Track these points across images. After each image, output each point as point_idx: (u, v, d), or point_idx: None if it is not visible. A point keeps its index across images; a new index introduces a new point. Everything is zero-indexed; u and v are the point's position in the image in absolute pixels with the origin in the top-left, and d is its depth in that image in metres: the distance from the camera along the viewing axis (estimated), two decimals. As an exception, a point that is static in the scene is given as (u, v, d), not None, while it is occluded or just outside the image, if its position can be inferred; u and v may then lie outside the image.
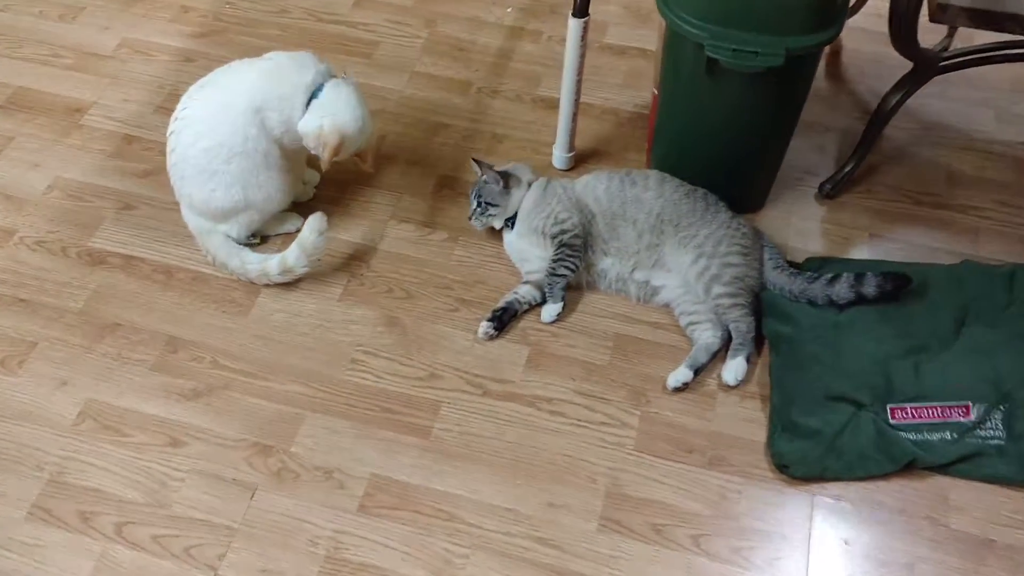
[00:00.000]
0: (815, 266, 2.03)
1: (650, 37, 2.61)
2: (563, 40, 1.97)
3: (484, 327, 1.92)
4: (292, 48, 2.01)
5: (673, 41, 1.84)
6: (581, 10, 1.93)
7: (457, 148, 2.33)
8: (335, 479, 1.72)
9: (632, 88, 2.49)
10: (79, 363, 1.88)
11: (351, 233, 2.13)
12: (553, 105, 2.40)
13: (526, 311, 1.98)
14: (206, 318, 1.97)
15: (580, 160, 2.29)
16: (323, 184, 2.23)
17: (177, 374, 1.88)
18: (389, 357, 1.91)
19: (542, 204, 2.01)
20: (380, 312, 1.98)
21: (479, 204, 2.00)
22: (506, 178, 2.00)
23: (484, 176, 2.00)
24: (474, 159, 2.09)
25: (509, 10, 2.70)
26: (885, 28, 1.97)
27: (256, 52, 2.01)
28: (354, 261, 2.08)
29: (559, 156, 2.26)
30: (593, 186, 2.02)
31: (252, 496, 1.70)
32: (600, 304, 2.00)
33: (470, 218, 2.03)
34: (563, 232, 1.96)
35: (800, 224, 2.17)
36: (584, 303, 2.00)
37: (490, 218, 2.02)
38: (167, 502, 1.69)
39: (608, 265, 1.98)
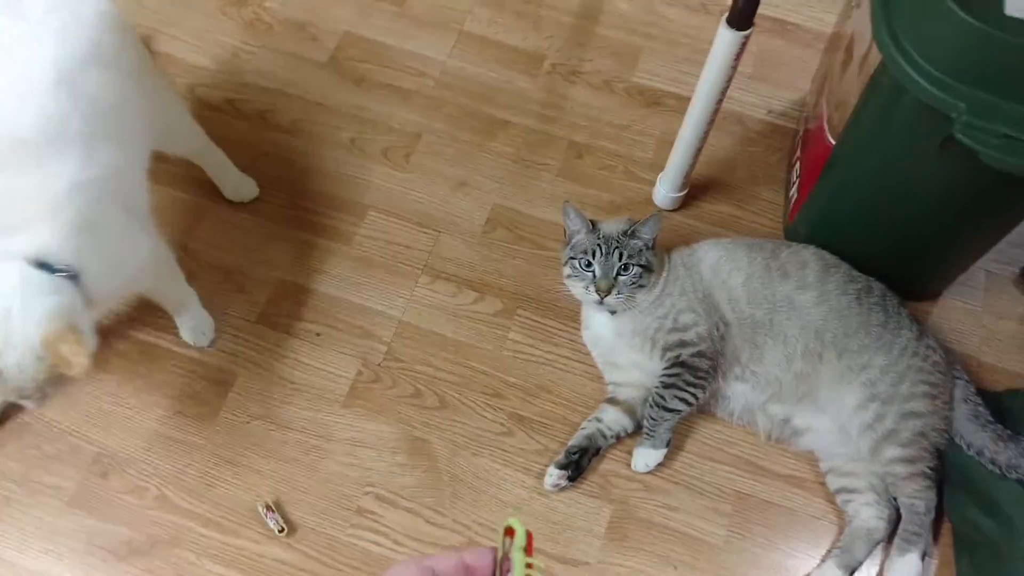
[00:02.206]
0: (1018, 403, 1.45)
1: (793, 1, 1.92)
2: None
3: (554, 476, 1.36)
4: None
5: (888, 90, 1.19)
6: (742, 18, 1.26)
7: (519, 163, 1.69)
8: None
9: (765, 82, 1.82)
10: (-33, 484, 1.33)
11: (366, 292, 1.53)
12: (655, 100, 1.76)
13: (612, 446, 1.42)
14: (153, 421, 1.40)
15: (690, 196, 1.65)
16: (332, 209, 1.60)
17: (106, 515, 1.33)
18: (411, 508, 1.36)
19: (663, 294, 1.40)
20: (401, 429, 1.42)
21: (627, 267, 1.36)
22: (660, 218, 1.40)
23: (634, 227, 1.38)
24: (568, 204, 1.42)
25: (598, -57, 1.97)
26: None
27: None
28: (369, 339, 1.49)
29: (664, 194, 1.62)
30: (727, 274, 1.41)
31: None
32: (716, 439, 1.44)
33: (602, 294, 1.36)
34: (684, 345, 1.37)
35: (993, 326, 1.58)
36: (693, 437, 1.44)
37: (638, 291, 1.38)
38: None
39: (737, 392, 1.40)
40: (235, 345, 1.47)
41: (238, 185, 1.57)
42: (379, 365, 1.47)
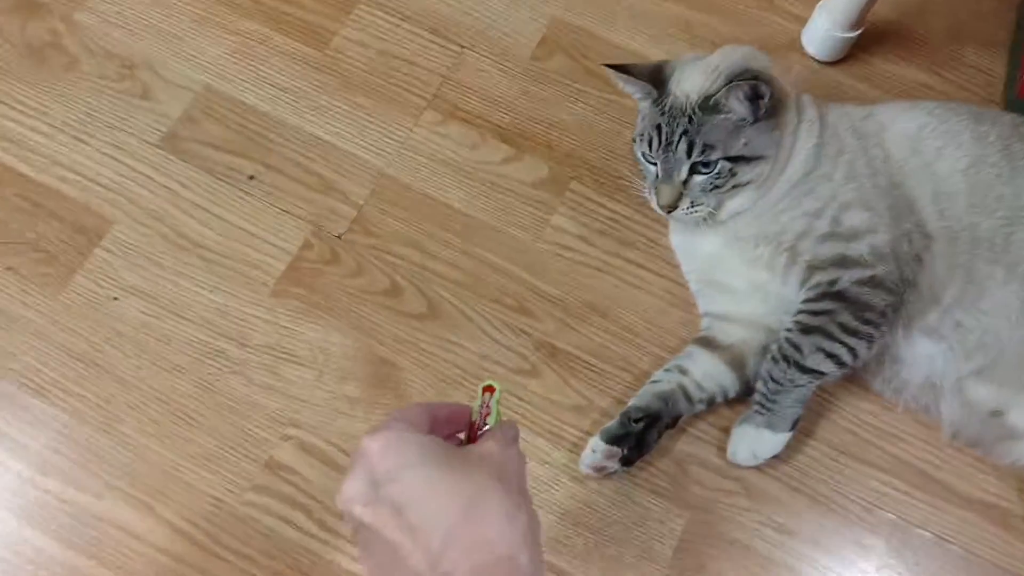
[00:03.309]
0: None
1: None
2: None
3: (599, 453, 0.84)
4: None
5: None
6: None
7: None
8: None
9: None
10: None
11: (337, 124, 1.00)
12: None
13: (698, 414, 0.88)
14: (-32, 277, 0.89)
15: (858, 47, 1.08)
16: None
17: None
18: (358, 472, 0.83)
19: (813, 174, 0.83)
20: (359, 343, 0.89)
21: (703, 165, 0.81)
22: (767, 80, 0.80)
23: (722, 92, 0.78)
24: (611, 67, 0.85)
25: None
26: None
27: None
28: (329, 196, 0.96)
29: (824, 32, 1.06)
30: (936, 153, 0.84)
31: None
32: (867, 426, 0.90)
33: (671, 207, 0.83)
34: (846, 265, 0.81)
35: None
36: (830, 418, 0.90)
37: (737, 194, 0.83)
38: None
39: (920, 354, 0.85)
40: (118, 176, 0.95)
41: None
42: (340, 238, 0.94)
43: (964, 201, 0.82)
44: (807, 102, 0.86)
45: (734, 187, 0.81)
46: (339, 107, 1.01)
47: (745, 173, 0.81)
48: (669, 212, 0.84)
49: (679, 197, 0.82)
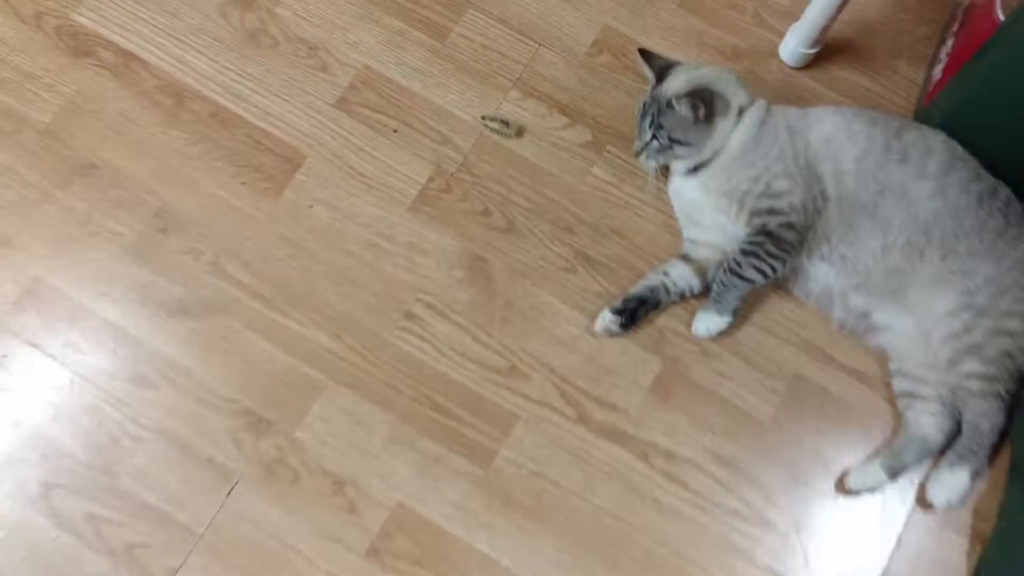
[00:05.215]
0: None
1: None
2: None
3: (606, 320, 1.46)
4: None
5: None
6: None
7: (641, -14, 1.69)
8: (346, 496, 1.37)
9: (937, -60, 1.76)
10: (30, 214, 1.48)
11: (451, 96, 1.60)
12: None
13: (674, 303, 1.49)
14: (217, 187, 1.52)
15: (821, 56, 1.64)
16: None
17: (161, 270, 1.47)
18: (460, 323, 1.47)
19: (753, 153, 1.43)
20: (463, 245, 1.51)
21: (657, 137, 1.45)
22: (707, 100, 1.41)
23: (674, 99, 1.41)
24: (642, 52, 1.51)
25: None
26: None
27: None
28: (446, 146, 1.57)
29: (793, 48, 1.62)
30: (839, 146, 1.42)
31: (230, 491, 1.36)
32: (786, 317, 1.51)
33: (638, 153, 1.50)
34: (772, 213, 1.41)
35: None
36: (763, 311, 1.50)
37: (674, 159, 1.49)
38: (115, 469, 1.36)
39: (820, 273, 1.45)
40: (309, 126, 1.56)
41: None
42: (452, 175, 1.54)
43: (852, 179, 1.41)
44: (758, 106, 1.45)
45: (675, 155, 1.45)
46: (453, 84, 1.60)
47: (678, 151, 1.45)
48: (636, 156, 1.49)
49: (643, 150, 1.47)
